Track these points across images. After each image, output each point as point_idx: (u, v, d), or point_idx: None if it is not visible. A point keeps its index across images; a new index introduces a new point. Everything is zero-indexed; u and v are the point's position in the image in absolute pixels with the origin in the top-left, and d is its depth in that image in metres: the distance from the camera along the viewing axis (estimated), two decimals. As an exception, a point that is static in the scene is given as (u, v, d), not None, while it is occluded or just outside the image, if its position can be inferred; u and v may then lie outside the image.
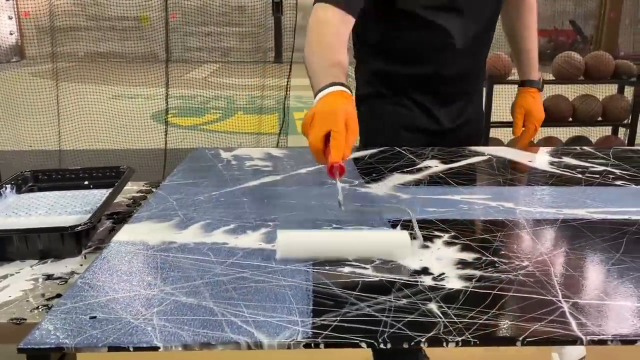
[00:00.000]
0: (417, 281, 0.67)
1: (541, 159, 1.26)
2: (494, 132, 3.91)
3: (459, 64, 1.34)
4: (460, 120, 1.42)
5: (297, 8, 4.46)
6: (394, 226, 0.85)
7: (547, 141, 4.38)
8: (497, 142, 3.93)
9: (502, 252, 0.75)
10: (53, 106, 4.10)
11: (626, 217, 0.90)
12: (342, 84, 0.94)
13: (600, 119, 4.42)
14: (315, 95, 0.95)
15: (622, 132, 4.53)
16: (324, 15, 1.10)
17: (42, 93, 4.33)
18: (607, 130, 4.59)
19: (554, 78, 4.31)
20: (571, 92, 4.35)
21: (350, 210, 0.89)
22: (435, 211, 0.91)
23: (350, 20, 1.11)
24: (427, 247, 0.77)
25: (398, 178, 1.11)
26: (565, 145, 4.26)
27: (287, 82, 3.65)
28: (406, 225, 0.85)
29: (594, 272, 0.70)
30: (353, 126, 0.88)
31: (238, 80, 5.04)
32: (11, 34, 11.04)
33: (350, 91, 0.96)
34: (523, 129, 1.51)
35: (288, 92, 3.72)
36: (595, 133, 4.56)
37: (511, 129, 1.51)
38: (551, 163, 1.23)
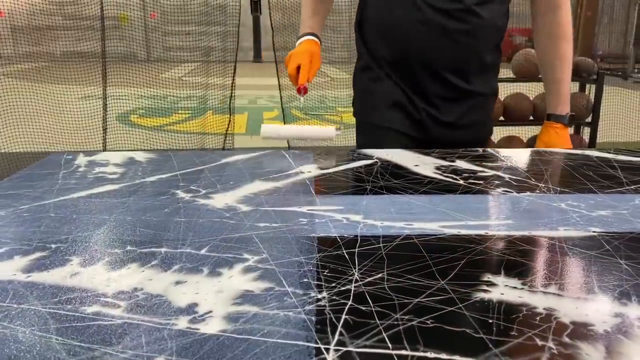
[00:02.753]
0: (167, 323, 0.53)
1: (429, 164, 1.14)
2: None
3: (426, 48, 1.34)
4: (446, 119, 1.39)
5: (270, 7, 4.33)
6: None
7: (508, 141, 4.28)
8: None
9: (304, 281, 0.62)
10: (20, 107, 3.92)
11: (483, 232, 0.77)
12: (312, 34, 1.46)
13: (561, 117, 4.34)
14: (297, 40, 1.46)
15: (584, 131, 4.45)
16: None
17: (13, 94, 4.13)
18: (569, 129, 4.51)
19: (514, 76, 4.21)
20: (533, 90, 4.26)
21: (305, 111, 1.47)
22: (267, 227, 0.78)
23: None
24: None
25: (256, 186, 0.98)
26: (528, 145, 4.17)
27: (232, 81, 3.50)
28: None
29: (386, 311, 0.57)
30: (316, 61, 1.41)
31: (213, 80, 4.88)
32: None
33: (319, 38, 1.46)
34: None
35: (233, 92, 3.57)
36: (557, 132, 4.46)
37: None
38: (438, 168, 1.11)
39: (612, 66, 13.28)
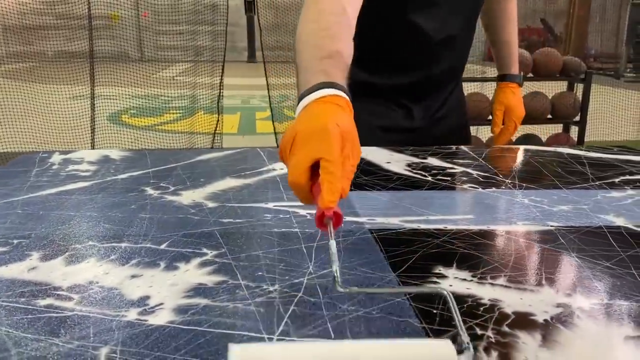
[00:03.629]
0: (116, 315, 0.54)
1: (401, 161, 1.15)
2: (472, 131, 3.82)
3: (441, 64, 1.25)
4: (437, 115, 1.34)
5: (255, 7, 4.33)
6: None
7: (525, 138, 4.30)
8: (476, 141, 3.84)
9: (258, 274, 0.63)
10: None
11: (442, 226, 0.78)
12: (335, 85, 0.65)
13: (550, 116, 4.37)
14: (299, 101, 0.66)
15: (574, 130, 4.47)
16: None
17: (2, 94, 4.12)
18: (558, 128, 4.53)
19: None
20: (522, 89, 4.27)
21: (350, 293, 0.58)
22: (230, 222, 0.79)
23: (355, 10, 0.85)
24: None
25: (226, 183, 0.99)
26: (514, 143, 4.18)
27: (220, 81, 3.51)
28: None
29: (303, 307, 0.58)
30: (353, 149, 0.59)
31: (203, 79, 4.87)
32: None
33: (348, 95, 0.66)
34: (502, 126, 1.41)
35: (221, 92, 3.57)
36: (546, 131, 4.49)
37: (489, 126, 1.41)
38: (409, 164, 1.12)
39: (604, 65, 13.34)
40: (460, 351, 0.43)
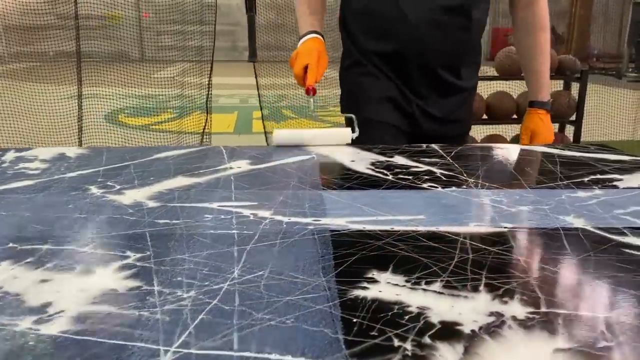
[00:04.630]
0: (8, 324, 0.50)
1: (366, 159, 1.10)
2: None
3: (421, 43, 1.34)
4: (435, 114, 1.41)
5: (249, 6, 4.29)
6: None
7: (491, 139, 4.25)
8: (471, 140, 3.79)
9: (176, 280, 0.59)
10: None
11: (389, 227, 0.74)
12: (315, 32, 1.33)
13: (545, 115, 4.31)
14: (299, 39, 1.34)
15: (569, 129, 4.42)
16: None
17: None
18: (554, 127, 4.47)
19: (497, 74, 4.18)
20: (515, 88, 4.22)
21: (317, 116, 1.42)
22: (166, 224, 0.75)
23: None
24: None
25: (177, 182, 0.95)
26: (510, 142, 4.13)
27: (209, 81, 3.47)
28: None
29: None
30: (323, 60, 1.29)
31: (197, 79, 4.82)
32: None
33: (323, 37, 1.34)
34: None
35: (210, 91, 3.54)
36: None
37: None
38: (373, 163, 1.08)
39: (606, 65, 13.26)
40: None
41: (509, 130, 4.33)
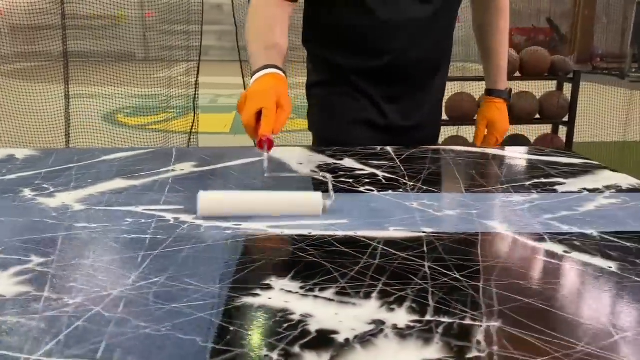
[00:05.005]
0: None
1: (314, 161, 1.10)
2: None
3: (402, 54, 1.23)
4: (411, 122, 1.32)
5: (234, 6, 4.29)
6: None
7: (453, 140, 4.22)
8: (461, 141, 3.77)
9: (68, 286, 0.59)
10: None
11: (307, 232, 0.73)
12: (275, 67, 0.99)
13: (538, 117, 4.29)
14: (252, 76, 1.00)
15: (563, 131, 4.39)
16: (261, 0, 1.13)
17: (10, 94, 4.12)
18: (548, 129, 4.44)
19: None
20: (515, 88, 4.19)
21: (272, 178, 0.95)
22: (84, 227, 0.75)
23: (289, 4, 1.13)
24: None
25: (113, 184, 0.94)
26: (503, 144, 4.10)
27: (196, 79, 3.47)
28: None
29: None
30: (284, 103, 0.92)
31: (203, 79, 4.79)
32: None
33: (284, 73, 1.00)
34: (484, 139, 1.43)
35: (197, 91, 3.54)
36: (535, 132, 4.41)
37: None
38: (319, 166, 1.07)
39: (609, 65, 13.18)
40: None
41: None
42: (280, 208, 0.80)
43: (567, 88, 4.31)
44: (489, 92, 1.42)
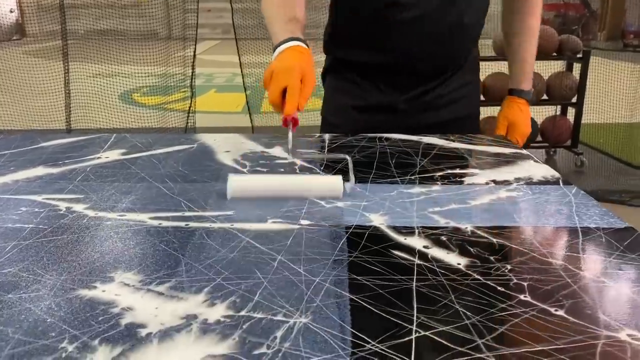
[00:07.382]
0: None
1: (242, 149, 1.11)
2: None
3: (411, 54, 1.23)
4: (420, 101, 1.30)
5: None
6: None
7: (488, 122, 4.16)
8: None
9: None
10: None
11: (184, 223, 0.75)
12: (298, 39, 0.99)
13: (546, 97, 4.19)
14: (274, 50, 1.00)
15: (571, 112, 4.28)
16: None
17: (41, 72, 4.23)
18: (557, 110, 4.34)
19: (495, 54, 4.07)
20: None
21: (295, 155, 1.00)
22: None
23: None
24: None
25: (33, 172, 0.97)
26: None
27: (193, 61, 3.49)
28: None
29: None
30: (308, 80, 0.93)
31: (224, 58, 4.77)
32: (11, 11, 11.01)
33: (307, 45, 1.00)
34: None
35: (194, 70, 3.56)
36: (543, 112, 4.31)
37: None
38: (244, 155, 1.08)
39: (640, 42, 12.70)
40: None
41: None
42: (304, 190, 0.85)
43: (577, 68, 4.20)
44: (512, 92, 1.37)
